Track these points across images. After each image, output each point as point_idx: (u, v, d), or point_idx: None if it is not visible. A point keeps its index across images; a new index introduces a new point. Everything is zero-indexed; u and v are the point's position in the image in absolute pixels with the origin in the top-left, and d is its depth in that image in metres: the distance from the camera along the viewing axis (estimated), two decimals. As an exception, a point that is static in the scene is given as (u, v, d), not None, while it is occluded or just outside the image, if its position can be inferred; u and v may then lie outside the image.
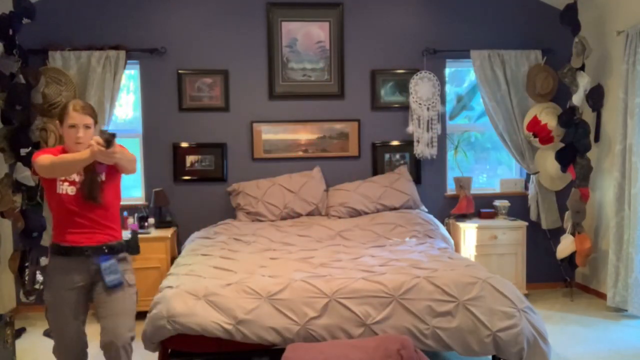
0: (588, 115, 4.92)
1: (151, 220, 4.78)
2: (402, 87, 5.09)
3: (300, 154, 5.05)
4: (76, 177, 2.66)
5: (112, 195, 2.74)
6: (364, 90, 5.09)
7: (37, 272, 4.41)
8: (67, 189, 2.65)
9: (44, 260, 4.32)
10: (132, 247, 2.89)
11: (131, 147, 5.08)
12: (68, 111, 2.63)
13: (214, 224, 4.70)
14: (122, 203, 4.83)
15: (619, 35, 4.48)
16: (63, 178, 2.64)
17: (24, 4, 4.31)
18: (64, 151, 2.68)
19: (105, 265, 2.63)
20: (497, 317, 3.03)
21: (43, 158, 2.58)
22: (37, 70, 4.49)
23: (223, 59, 4.95)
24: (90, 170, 2.63)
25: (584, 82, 4.69)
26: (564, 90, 4.91)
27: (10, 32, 4.23)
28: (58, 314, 2.69)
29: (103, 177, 2.69)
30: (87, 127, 2.64)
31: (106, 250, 2.67)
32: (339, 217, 4.70)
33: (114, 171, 2.72)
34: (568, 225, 4.87)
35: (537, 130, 4.87)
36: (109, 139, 2.39)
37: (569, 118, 4.77)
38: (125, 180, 5.24)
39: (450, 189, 5.25)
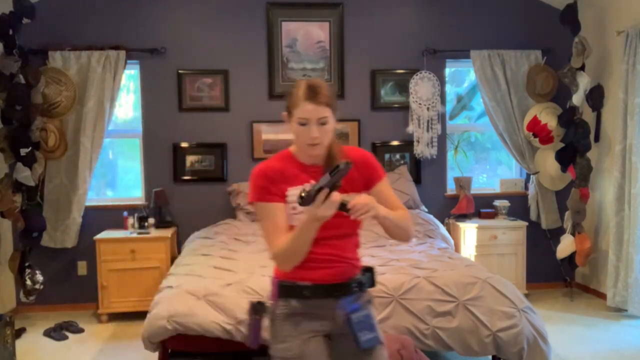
0: (588, 115, 4.92)
1: (151, 220, 4.78)
2: (402, 87, 5.08)
3: (300, 154, 5.04)
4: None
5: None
6: (364, 90, 5.09)
7: (37, 272, 4.42)
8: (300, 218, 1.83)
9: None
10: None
11: (131, 147, 5.11)
12: (298, 98, 1.80)
13: (214, 224, 4.70)
14: (122, 203, 4.95)
15: (619, 35, 4.48)
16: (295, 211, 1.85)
17: (24, 4, 4.31)
18: (289, 155, 1.93)
19: (356, 318, 1.84)
20: (497, 317, 3.03)
21: (276, 245, 1.80)
22: (37, 70, 4.49)
23: (223, 59, 4.95)
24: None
25: (584, 82, 4.69)
26: (564, 90, 4.91)
27: (10, 32, 4.23)
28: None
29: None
30: (322, 123, 1.81)
31: (355, 288, 1.89)
32: (339, 217, 4.69)
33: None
34: (568, 225, 4.87)
35: (537, 130, 4.87)
36: (303, 196, 1.63)
37: (569, 118, 4.77)
38: (125, 180, 5.27)
39: (450, 189, 5.25)
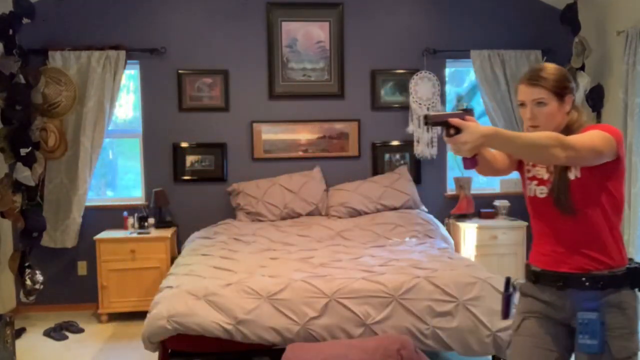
0: (588, 116, 4.92)
1: (151, 220, 4.78)
2: (402, 87, 5.08)
3: (300, 154, 5.04)
4: (545, 174, 1.90)
5: (591, 201, 1.82)
6: (364, 90, 5.09)
7: (37, 272, 4.42)
8: (535, 189, 1.93)
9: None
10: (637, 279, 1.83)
11: (131, 147, 5.11)
12: (519, 82, 1.92)
13: (214, 224, 4.70)
14: (122, 203, 4.95)
15: (619, 35, 4.48)
16: (530, 175, 1.94)
17: (24, 4, 4.31)
18: None
19: (581, 318, 1.78)
20: (497, 317, 3.02)
21: None
22: (37, 70, 4.49)
23: (223, 59, 4.94)
24: (560, 167, 1.83)
25: (584, 82, 4.69)
26: (564, 90, 4.90)
27: (10, 32, 4.23)
28: (515, 347, 1.97)
29: (576, 174, 1.81)
30: (539, 103, 1.84)
31: (587, 284, 1.81)
32: (339, 217, 4.70)
33: (600, 167, 1.78)
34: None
35: (537, 130, 4.86)
36: (439, 123, 1.70)
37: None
38: (125, 180, 5.27)
39: (450, 189, 5.25)
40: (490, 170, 1.97)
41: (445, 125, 1.67)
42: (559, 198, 1.83)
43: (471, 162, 1.78)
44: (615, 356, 1.76)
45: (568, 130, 1.84)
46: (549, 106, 1.84)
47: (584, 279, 1.80)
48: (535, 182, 1.92)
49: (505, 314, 2.02)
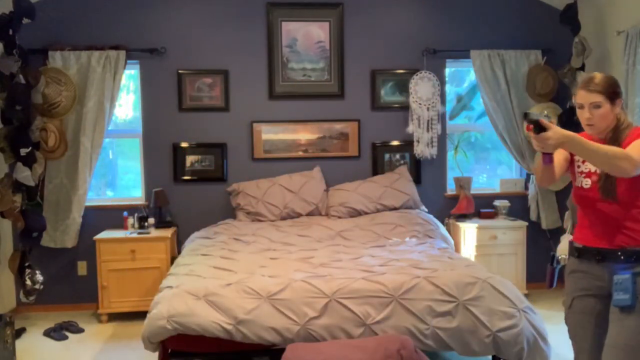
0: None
1: (151, 220, 4.78)
2: (402, 87, 5.08)
3: (300, 154, 5.05)
4: (592, 168, 2.26)
5: (631, 191, 2.18)
6: (364, 90, 5.09)
7: (37, 272, 4.42)
8: (582, 181, 2.30)
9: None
10: None
11: (131, 147, 5.11)
12: (577, 88, 2.29)
13: (214, 224, 4.70)
14: (122, 203, 4.95)
15: (619, 35, 4.48)
16: (579, 170, 2.32)
17: (24, 4, 4.31)
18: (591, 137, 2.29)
19: (617, 279, 2.15)
20: (497, 317, 3.03)
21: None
22: (37, 70, 4.49)
23: (223, 59, 4.95)
24: None
25: (584, 82, 4.68)
26: (564, 90, 4.91)
27: (10, 32, 4.23)
28: (571, 321, 2.43)
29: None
30: (596, 106, 2.19)
31: (622, 257, 2.18)
32: (339, 217, 4.70)
33: None
34: (568, 225, 4.86)
35: (537, 130, 4.86)
36: (533, 121, 2.01)
37: (569, 118, 4.76)
38: (125, 180, 5.27)
39: (450, 189, 5.25)
40: (551, 178, 2.33)
41: (537, 124, 2.00)
42: (606, 188, 2.19)
43: (549, 157, 2.21)
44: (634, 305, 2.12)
45: (616, 128, 2.22)
46: (602, 108, 2.20)
47: (619, 253, 2.19)
48: (583, 175, 2.30)
49: (550, 284, 2.66)
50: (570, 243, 2.38)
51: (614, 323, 2.17)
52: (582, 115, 2.25)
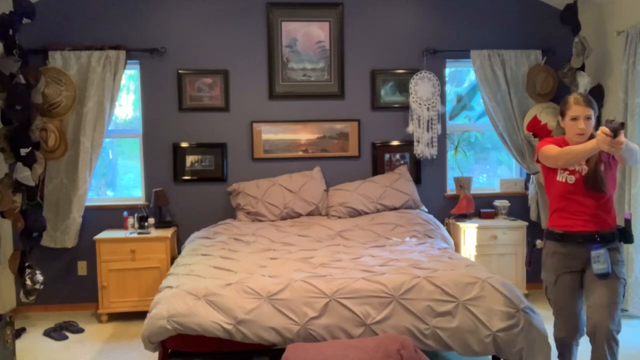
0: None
1: (151, 220, 4.78)
2: (402, 87, 5.08)
3: (300, 154, 5.05)
4: (577, 167, 2.77)
5: (610, 185, 2.78)
6: (364, 90, 5.09)
7: (37, 272, 4.42)
8: (567, 177, 2.80)
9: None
10: (626, 236, 2.84)
11: (131, 147, 5.11)
12: (570, 104, 2.78)
13: (214, 224, 4.71)
14: (122, 203, 4.95)
15: (619, 35, 4.48)
16: (564, 168, 2.79)
17: (24, 4, 4.31)
18: (565, 142, 2.84)
19: (595, 254, 2.69)
20: (497, 317, 3.03)
21: (549, 149, 2.78)
22: (37, 70, 4.49)
23: (223, 59, 4.95)
24: (595, 160, 2.73)
25: (584, 82, 4.69)
26: (564, 90, 4.91)
27: (10, 32, 4.23)
28: (557, 294, 2.89)
29: (602, 167, 2.75)
30: (587, 118, 2.75)
31: (598, 239, 2.75)
32: (339, 217, 4.70)
33: (613, 162, 2.79)
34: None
35: (537, 130, 4.87)
36: (616, 129, 2.40)
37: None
38: (125, 180, 5.27)
39: (450, 189, 5.25)
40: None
41: (616, 132, 2.41)
42: (596, 182, 2.71)
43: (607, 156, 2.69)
44: (618, 275, 2.74)
45: (592, 136, 2.73)
46: (591, 120, 2.77)
47: (596, 236, 2.76)
48: (567, 172, 2.79)
49: (528, 263, 3.12)
50: (547, 229, 2.92)
51: (597, 288, 2.71)
52: (577, 126, 2.75)
